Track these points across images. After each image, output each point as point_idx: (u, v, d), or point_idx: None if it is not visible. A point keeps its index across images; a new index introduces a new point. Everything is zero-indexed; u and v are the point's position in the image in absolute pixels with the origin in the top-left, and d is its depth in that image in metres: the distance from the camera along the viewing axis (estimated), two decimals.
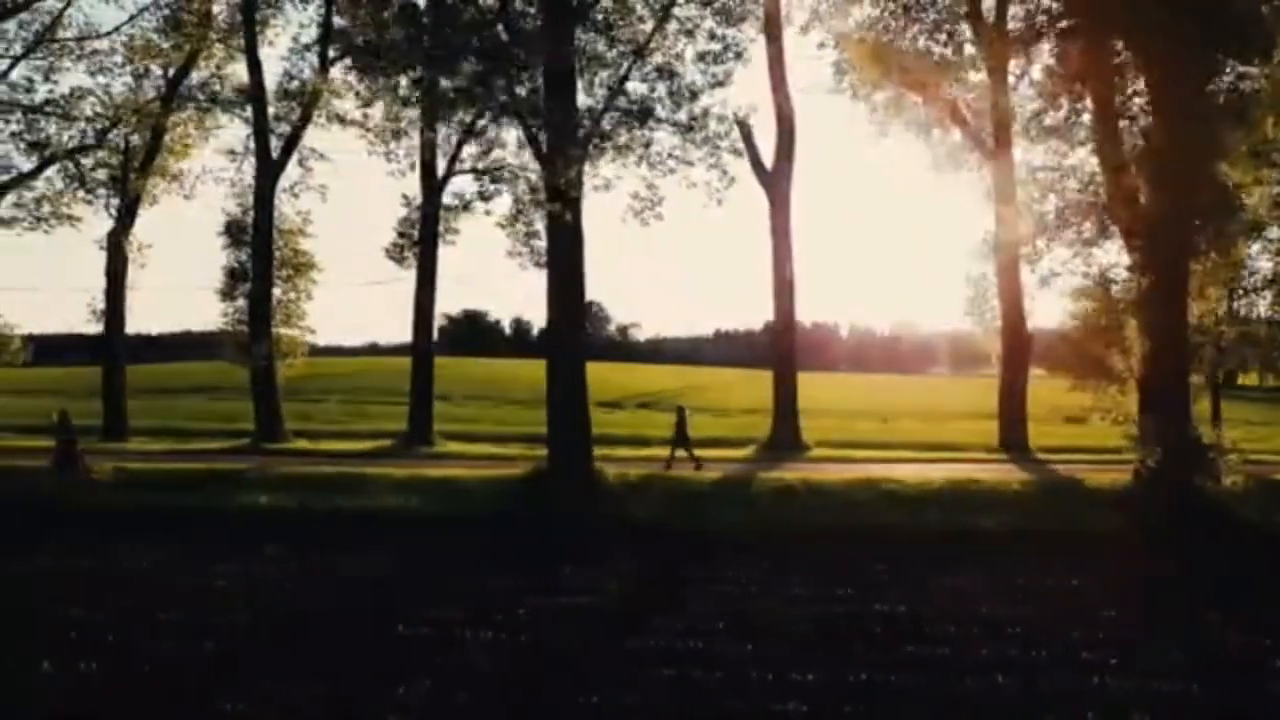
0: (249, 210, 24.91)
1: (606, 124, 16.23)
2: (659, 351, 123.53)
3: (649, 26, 16.47)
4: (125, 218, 26.30)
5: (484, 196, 17.16)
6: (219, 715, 7.49)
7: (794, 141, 23.61)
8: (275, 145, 24.79)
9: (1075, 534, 14.12)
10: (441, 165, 24.05)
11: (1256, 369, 29.33)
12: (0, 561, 13.04)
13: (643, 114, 16.19)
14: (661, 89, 16.58)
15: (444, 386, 37.30)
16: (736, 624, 9.91)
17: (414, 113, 20.90)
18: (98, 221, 28.03)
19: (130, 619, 10.00)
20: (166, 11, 25.69)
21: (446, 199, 24.00)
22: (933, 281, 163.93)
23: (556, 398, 17.08)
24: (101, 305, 26.09)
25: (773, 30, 23.18)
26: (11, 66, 26.20)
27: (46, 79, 26.94)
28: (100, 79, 26.00)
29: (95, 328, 27.00)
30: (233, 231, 24.85)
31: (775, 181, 23.66)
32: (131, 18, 26.62)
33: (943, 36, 22.01)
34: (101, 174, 27.20)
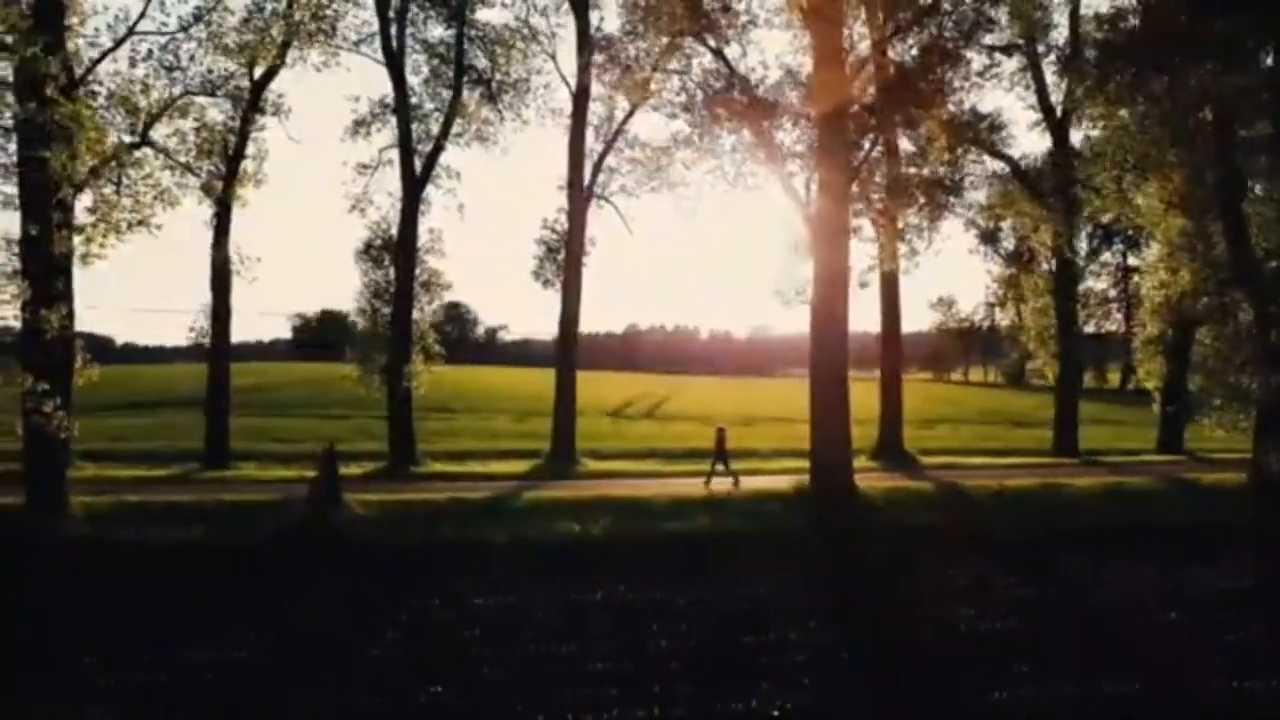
0: (380, 226, 24.46)
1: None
2: (527, 354, 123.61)
3: None
4: (221, 227, 24.58)
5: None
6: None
7: None
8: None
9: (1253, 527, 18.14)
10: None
11: None
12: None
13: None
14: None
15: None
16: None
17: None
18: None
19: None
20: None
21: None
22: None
23: (821, 416, 18.95)
24: (204, 322, 24.30)
25: None
26: (99, 60, 23.75)
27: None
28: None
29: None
30: (370, 250, 24.14)
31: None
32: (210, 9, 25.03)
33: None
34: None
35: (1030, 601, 13.47)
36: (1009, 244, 73.76)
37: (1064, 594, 14.07)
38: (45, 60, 14.74)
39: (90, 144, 17.76)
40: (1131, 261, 69.46)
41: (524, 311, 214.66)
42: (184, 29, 24.01)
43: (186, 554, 15.19)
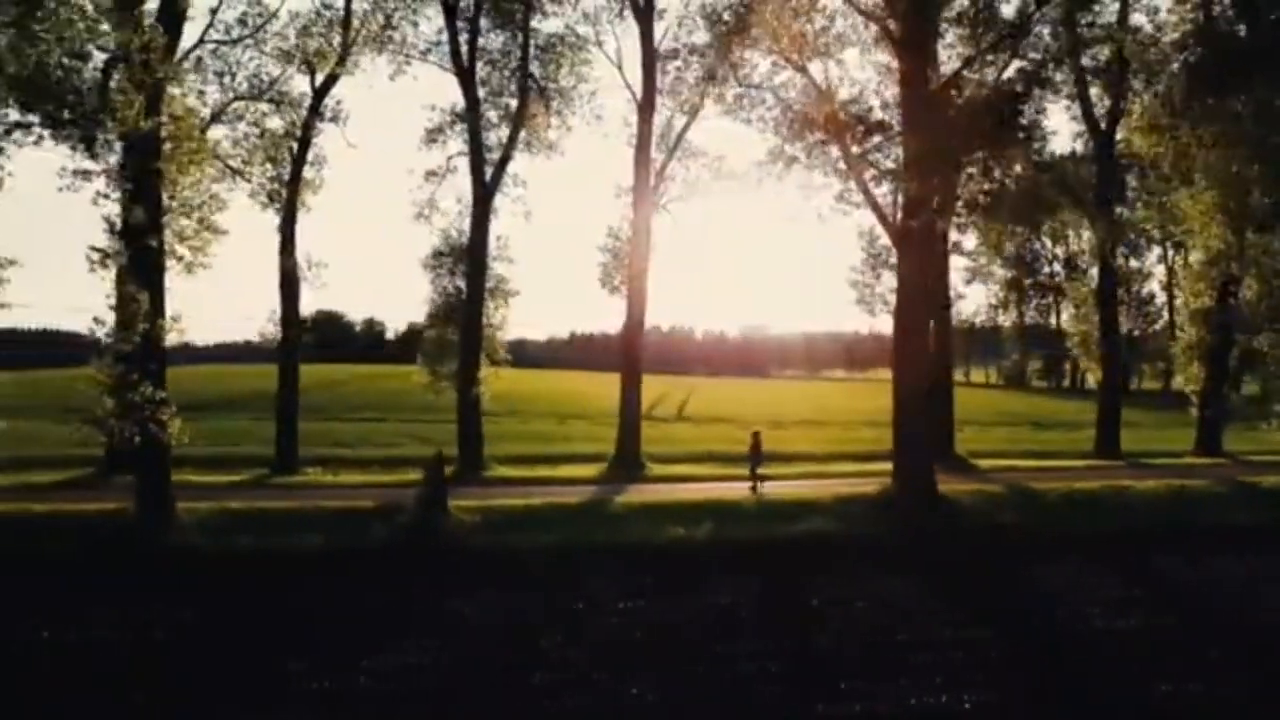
0: (448, 235, 24.78)
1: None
2: (523, 355, 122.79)
3: None
4: (287, 234, 24.69)
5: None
6: None
7: None
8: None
9: None
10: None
11: None
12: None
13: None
14: None
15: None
16: None
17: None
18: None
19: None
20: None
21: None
22: (780, 287, 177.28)
23: (904, 422, 19.48)
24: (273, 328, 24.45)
25: None
26: (181, 58, 23.77)
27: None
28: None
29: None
30: (440, 257, 24.44)
31: None
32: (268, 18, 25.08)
33: None
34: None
35: (1145, 600, 14.05)
36: (1009, 247, 75.27)
37: (1176, 593, 14.69)
38: (176, 74, 14.93)
39: (193, 154, 17.94)
40: (1132, 264, 71.17)
41: (517, 312, 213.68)
42: (234, 40, 24.10)
43: (311, 561, 15.47)
